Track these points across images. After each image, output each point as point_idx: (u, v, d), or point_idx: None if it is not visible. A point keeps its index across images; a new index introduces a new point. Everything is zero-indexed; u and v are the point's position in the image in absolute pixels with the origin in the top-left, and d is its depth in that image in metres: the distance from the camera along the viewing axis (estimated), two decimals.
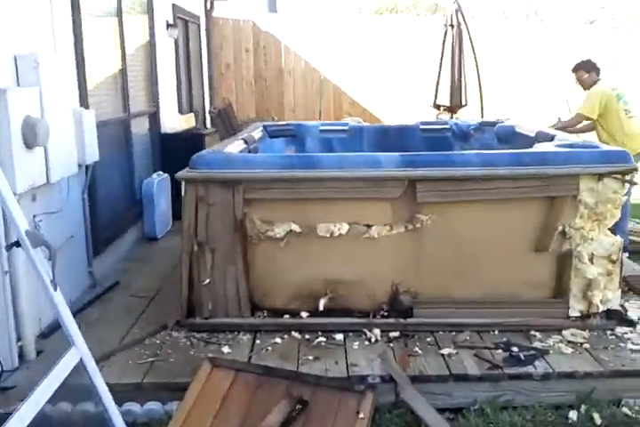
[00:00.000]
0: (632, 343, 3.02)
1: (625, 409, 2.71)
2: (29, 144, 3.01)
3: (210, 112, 8.27)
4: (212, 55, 8.73)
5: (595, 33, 9.56)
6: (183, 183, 3.30)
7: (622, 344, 3.04)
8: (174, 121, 6.42)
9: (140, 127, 5.49)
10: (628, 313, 3.26)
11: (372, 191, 3.11)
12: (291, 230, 3.21)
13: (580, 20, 17.44)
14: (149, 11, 5.76)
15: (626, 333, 3.13)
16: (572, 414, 2.67)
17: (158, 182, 5.34)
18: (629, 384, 2.80)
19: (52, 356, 2.90)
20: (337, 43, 9.00)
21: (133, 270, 4.45)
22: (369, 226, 3.17)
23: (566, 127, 5.18)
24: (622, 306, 3.30)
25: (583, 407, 2.70)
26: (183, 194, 3.31)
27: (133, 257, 4.83)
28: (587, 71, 5.32)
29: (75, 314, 3.35)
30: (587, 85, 5.33)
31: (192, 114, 7.09)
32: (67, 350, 2.49)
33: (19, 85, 3.16)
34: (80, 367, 2.36)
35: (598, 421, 2.63)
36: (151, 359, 3.02)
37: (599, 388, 2.77)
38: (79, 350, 2.51)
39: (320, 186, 3.13)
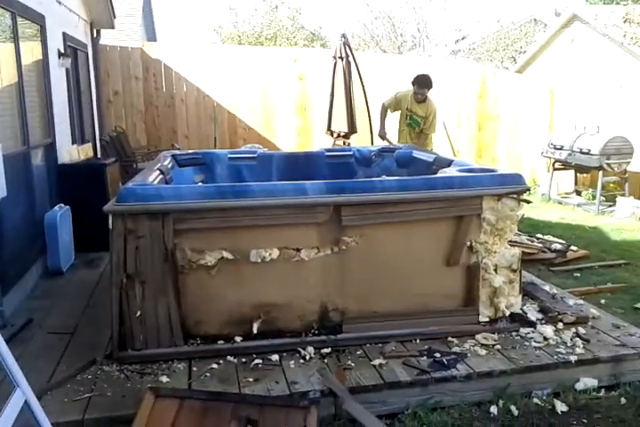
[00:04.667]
0: (535, 342, 3.44)
1: (535, 400, 3.09)
2: None
3: (101, 140, 8.11)
4: (99, 83, 8.58)
5: (457, 62, 10.49)
6: (110, 216, 3.31)
7: (527, 343, 3.44)
8: (70, 151, 6.25)
9: (37, 159, 5.33)
10: (528, 315, 3.69)
11: (301, 217, 3.32)
12: (222, 258, 3.33)
13: (446, 51, 18.94)
14: (42, 39, 5.63)
15: (528, 333, 3.55)
16: (493, 409, 3.00)
17: (61, 215, 5.20)
18: (537, 378, 3.19)
19: None
20: (227, 70, 9.18)
21: (45, 307, 4.29)
22: (298, 250, 3.36)
23: None
24: (522, 309, 3.73)
25: (501, 402, 3.05)
26: (110, 227, 3.31)
27: (41, 293, 4.66)
28: (430, 88, 6.53)
29: None
30: (422, 99, 6.57)
31: (89, 144, 6.93)
32: (11, 393, 2.45)
33: None
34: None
35: (515, 412, 2.97)
36: (87, 395, 2.98)
37: (513, 383, 3.14)
38: (23, 392, 2.47)
39: (250, 214, 3.28)
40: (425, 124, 6.60)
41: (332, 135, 7.45)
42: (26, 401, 2.38)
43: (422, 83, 6.45)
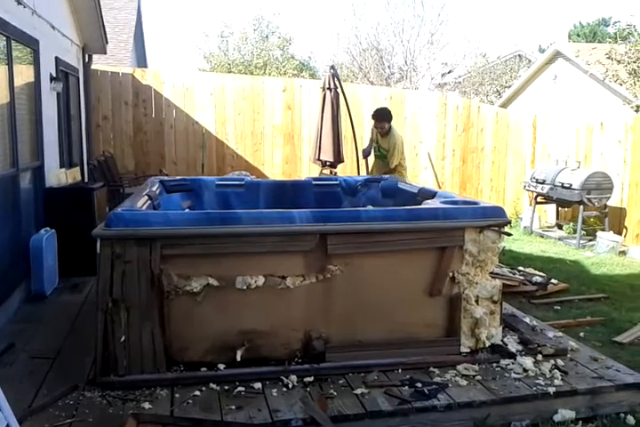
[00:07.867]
0: (514, 373, 3.48)
1: None
2: None
3: (89, 164, 8.14)
4: (89, 107, 8.65)
5: (442, 95, 10.74)
6: (98, 241, 3.34)
7: (507, 374, 3.49)
8: (58, 175, 6.29)
9: (25, 181, 5.35)
10: (508, 347, 3.74)
11: (287, 245, 3.37)
12: (208, 284, 3.36)
13: (433, 84, 19.33)
14: (35, 62, 5.71)
15: (508, 364, 3.59)
16: None
17: (46, 239, 5.20)
18: (516, 409, 3.22)
19: None
20: (216, 98, 9.31)
21: (27, 331, 4.27)
22: (284, 277, 3.40)
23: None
24: (502, 341, 3.79)
25: None
26: (98, 251, 3.35)
27: (24, 317, 4.63)
28: (389, 121, 6.59)
29: None
30: (385, 132, 6.65)
31: (77, 168, 6.96)
32: None
33: None
34: None
35: None
36: (69, 421, 2.97)
37: (492, 414, 3.17)
38: (5, 416, 2.47)
39: (237, 241, 3.33)
40: (387, 156, 6.72)
41: (319, 164, 7.55)
42: (8, 425, 2.37)
43: (379, 116, 6.60)
